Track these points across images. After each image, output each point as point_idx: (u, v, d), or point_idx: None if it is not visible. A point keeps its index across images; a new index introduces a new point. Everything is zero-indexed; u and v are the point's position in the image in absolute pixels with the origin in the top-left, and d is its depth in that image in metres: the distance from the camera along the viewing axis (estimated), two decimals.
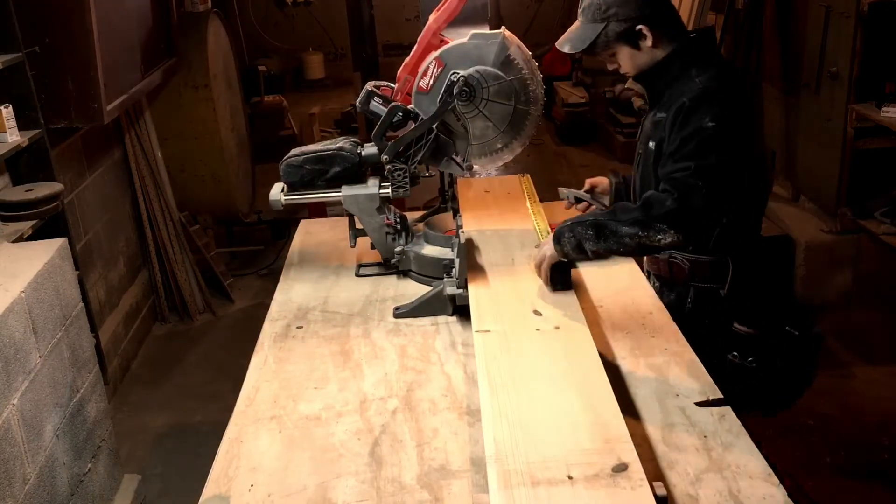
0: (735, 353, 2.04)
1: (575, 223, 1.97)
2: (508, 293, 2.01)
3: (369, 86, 2.31)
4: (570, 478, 1.36)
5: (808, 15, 4.26)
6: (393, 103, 2.25)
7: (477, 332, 1.84)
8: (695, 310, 2.12)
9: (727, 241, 2.06)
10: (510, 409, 1.55)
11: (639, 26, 2.02)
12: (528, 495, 1.33)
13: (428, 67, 2.21)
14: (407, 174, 2.28)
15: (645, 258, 2.31)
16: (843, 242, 4.15)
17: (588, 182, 2.48)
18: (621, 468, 1.37)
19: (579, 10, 2.11)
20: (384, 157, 2.26)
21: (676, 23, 2.09)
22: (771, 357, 2.03)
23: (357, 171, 2.32)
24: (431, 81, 2.21)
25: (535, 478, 1.36)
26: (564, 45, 2.11)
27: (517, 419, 1.51)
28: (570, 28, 2.12)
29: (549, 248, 2.00)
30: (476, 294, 2.01)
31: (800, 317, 2.11)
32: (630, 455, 1.40)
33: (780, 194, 4.68)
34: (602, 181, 2.45)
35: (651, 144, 2.08)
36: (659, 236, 1.88)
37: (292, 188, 2.34)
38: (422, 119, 2.23)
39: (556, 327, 1.85)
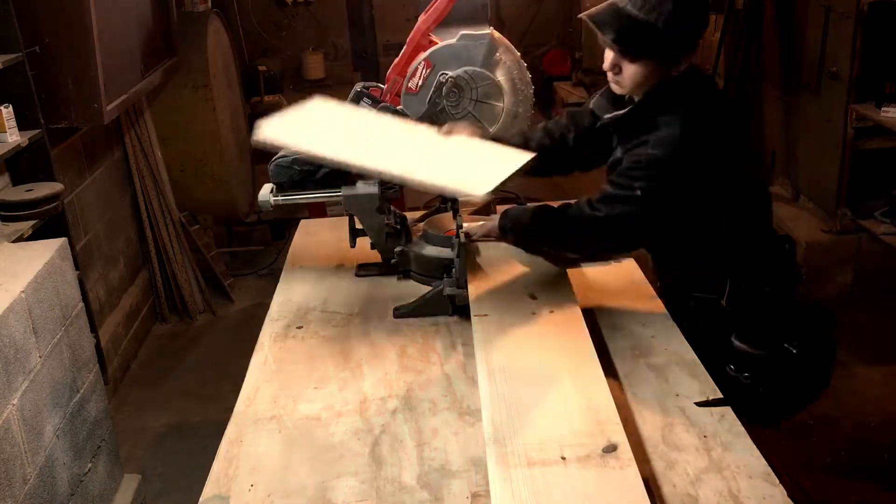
0: (732, 367, 1.99)
1: (515, 224, 2.10)
2: (504, 279, 2.07)
3: (359, 86, 2.30)
4: (563, 458, 1.42)
5: (808, 15, 4.25)
6: (382, 104, 2.25)
7: (475, 316, 1.89)
8: (695, 319, 2.06)
9: (721, 256, 2.01)
10: (507, 391, 1.61)
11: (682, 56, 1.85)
12: (525, 475, 1.39)
13: (417, 68, 2.21)
14: None
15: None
16: (843, 242, 4.14)
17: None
18: (611, 449, 1.44)
19: None
20: None
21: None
22: (768, 374, 1.99)
23: (347, 172, 2.23)
24: (420, 82, 2.21)
25: (531, 459, 1.42)
26: (604, 25, 1.81)
27: (514, 402, 1.58)
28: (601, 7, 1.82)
29: (494, 230, 2.17)
30: (473, 280, 2.06)
31: (806, 329, 2.03)
32: (619, 437, 1.47)
33: (780, 194, 4.68)
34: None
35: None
36: (568, 254, 2.11)
37: (282, 189, 2.25)
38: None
39: (551, 311, 1.90)
